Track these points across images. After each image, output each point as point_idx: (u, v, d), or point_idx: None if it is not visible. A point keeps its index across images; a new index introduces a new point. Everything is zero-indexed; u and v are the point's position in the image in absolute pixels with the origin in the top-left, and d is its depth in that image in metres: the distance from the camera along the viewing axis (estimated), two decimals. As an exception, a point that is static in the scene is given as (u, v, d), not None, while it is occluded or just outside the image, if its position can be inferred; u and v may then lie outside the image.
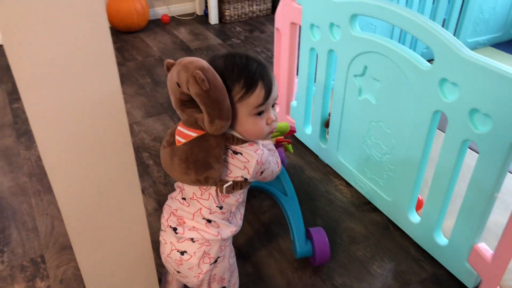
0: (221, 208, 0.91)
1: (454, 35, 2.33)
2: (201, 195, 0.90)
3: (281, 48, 1.66)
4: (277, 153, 1.00)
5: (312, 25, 1.45)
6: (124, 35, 2.76)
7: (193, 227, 0.90)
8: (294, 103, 1.72)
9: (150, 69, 2.35)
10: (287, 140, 1.45)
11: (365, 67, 1.28)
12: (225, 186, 0.87)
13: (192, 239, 0.90)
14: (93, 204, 0.75)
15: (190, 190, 0.91)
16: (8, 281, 1.20)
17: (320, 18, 1.39)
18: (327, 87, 1.50)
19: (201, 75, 0.77)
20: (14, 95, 2.03)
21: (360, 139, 1.40)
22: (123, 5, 2.67)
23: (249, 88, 0.83)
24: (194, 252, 0.90)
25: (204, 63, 0.80)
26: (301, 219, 1.21)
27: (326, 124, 1.58)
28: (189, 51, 2.55)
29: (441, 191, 1.15)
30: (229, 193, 0.90)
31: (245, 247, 1.30)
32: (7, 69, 2.30)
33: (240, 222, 0.97)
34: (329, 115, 1.57)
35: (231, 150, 0.88)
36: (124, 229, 0.81)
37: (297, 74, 1.66)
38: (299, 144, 1.74)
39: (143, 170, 1.61)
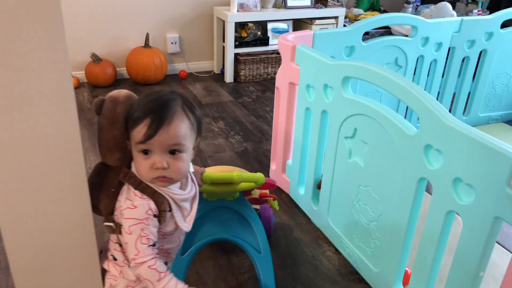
0: (120, 245, 0.86)
1: (464, 108, 2.30)
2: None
3: (279, 106, 1.66)
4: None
5: (308, 86, 1.46)
6: (140, 87, 2.85)
7: (107, 258, 0.89)
8: (289, 162, 1.70)
9: (158, 120, 2.39)
10: (272, 196, 1.42)
11: (355, 130, 1.26)
12: (104, 223, 0.84)
13: (104, 268, 0.89)
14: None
15: None
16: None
17: (315, 79, 1.39)
18: (320, 148, 1.47)
19: (96, 101, 0.82)
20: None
21: (349, 204, 1.35)
22: (142, 58, 2.79)
23: (135, 121, 0.80)
24: (106, 280, 0.88)
25: (118, 94, 0.83)
26: (273, 280, 1.16)
27: (318, 185, 1.53)
28: (200, 106, 2.60)
29: (427, 263, 1.07)
30: (112, 233, 0.86)
31: (217, 308, 1.22)
32: None
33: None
34: (322, 177, 1.52)
35: (125, 189, 0.84)
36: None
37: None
38: (292, 204, 1.69)
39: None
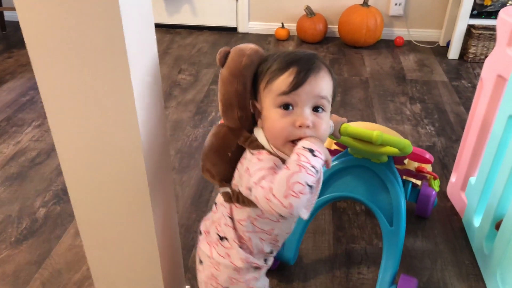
0: (232, 220, 0.76)
1: None
2: (223, 200, 0.77)
3: (477, 104, 1.24)
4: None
5: (519, 85, 1.01)
6: (347, 48, 2.64)
7: (211, 239, 0.79)
8: (473, 179, 1.28)
9: (346, 89, 2.17)
10: (432, 174, 1.24)
11: None
12: (221, 190, 0.76)
13: (207, 254, 0.78)
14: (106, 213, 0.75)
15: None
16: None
17: (531, 78, 0.95)
18: (515, 176, 1.03)
19: (222, 51, 0.71)
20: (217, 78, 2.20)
21: (529, 268, 0.92)
22: (356, 18, 2.54)
23: (278, 70, 0.68)
24: (204, 269, 0.79)
25: (245, 46, 0.72)
26: (398, 259, 1.05)
27: (497, 225, 1.11)
28: (402, 81, 2.24)
29: None
30: (229, 203, 0.75)
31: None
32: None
33: (257, 255, 0.77)
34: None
35: (248, 153, 0.73)
36: (134, 241, 0.79)
37: (490, 144, 1.21)
38: (461, 234, 1.29)
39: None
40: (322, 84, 0.68)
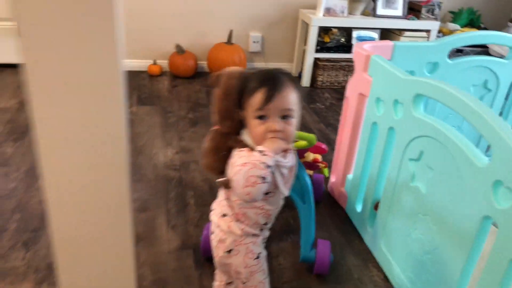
0: (228, 201, 0.98)
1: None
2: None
3: (346, 117, 1.59)
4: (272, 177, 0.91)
5: (378, 99, 1.37)
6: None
7: (217, 215, 1.01)
8: (350, 176, 1.62)
9: (228, 116, 2.42)
10: (323, 163, 1.58)
11: (421, 152, 1.16)
12: (217, 180, 0.97)
13: (216, 224, 1.01)
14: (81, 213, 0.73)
15: None
16: (19, 278, 1.25)
17: (386, 93, 1.31)
18: (383, 166, 1.38)
19: (214, 75, 0.96)
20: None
21: (405, 231, 1.25)
22: (223, 54, 2.84)
23: (253, 90, 0.90)
24: (215, 236, 1.01)
25: (233, 69, 0.96)
26: (313, 227, 1.32)
27: (376, 206, 1.44)
28: (271, 107, 2.59)
29: (480, 314, 0.95)
30: (223, 188, 0.98)
31: None
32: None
33: (253, 226, 0.98)
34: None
35: (235, 151, 0.94)
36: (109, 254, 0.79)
37: (359, 147, 1.57)
38: (346, 221, 1.61)
39: (181, 206, 1.61)
40: (287, 99, 0.89)
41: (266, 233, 1.04)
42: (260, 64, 3.13)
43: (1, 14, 2.62)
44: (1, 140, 1.93)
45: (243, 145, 0.94)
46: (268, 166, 0.85)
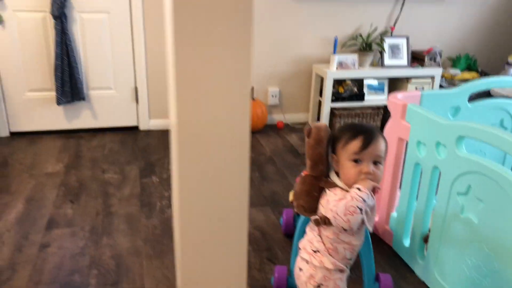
0: (320, 237, 1.13)
1: None
2: (312, 225, 1.17)
3: (386, 161, 1.76)
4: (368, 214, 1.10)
5: (419, 142, 1.55)
6: (242, 134, 3.10)
7: (308, 252, 1.15)
8: (394, 214, 1.77)
9: (260, 165, 2.59)
10: None
11: (469, 186, 1.32)
12: (312, 218, 1.13)
13: (306, 261, 1.14)
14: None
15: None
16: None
17: (427, 137, 1.49)
18: (429, 202, 1.53)
19: (307, 128, 1.15)
20: (144, 171, 2.37)
21: (459, 258, 1.38)
22: (246, 109, 3.04)
23: (351, 138, 1.10)
24: (304, 273, 1.14)
25: (320, 124, 1.16)
26: (373, 262, 1.40)
27: (425, 239, 1.58)
28: (296, 155, 2.77)
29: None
30: (318, 226, 1.12)
31: None
32: (143, 149, 2.71)
33: (341, 261, 1.12)
34: (429, 231, 1.57)
35: (327, 191, 1.12)
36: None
37: (399, 187, 1.73)
38: (394, 256, 1.73)
39: (241, 253, 1.73)
40: (379, 147, 1.08)
41: (348, 268, 1.17)
42: (279, 116, 3.34)
43: (42, 85, 2.83)
44: (60, 203, 2.06)
45: (333, 185, 1.10)
46: (364, 200, 1.02)
